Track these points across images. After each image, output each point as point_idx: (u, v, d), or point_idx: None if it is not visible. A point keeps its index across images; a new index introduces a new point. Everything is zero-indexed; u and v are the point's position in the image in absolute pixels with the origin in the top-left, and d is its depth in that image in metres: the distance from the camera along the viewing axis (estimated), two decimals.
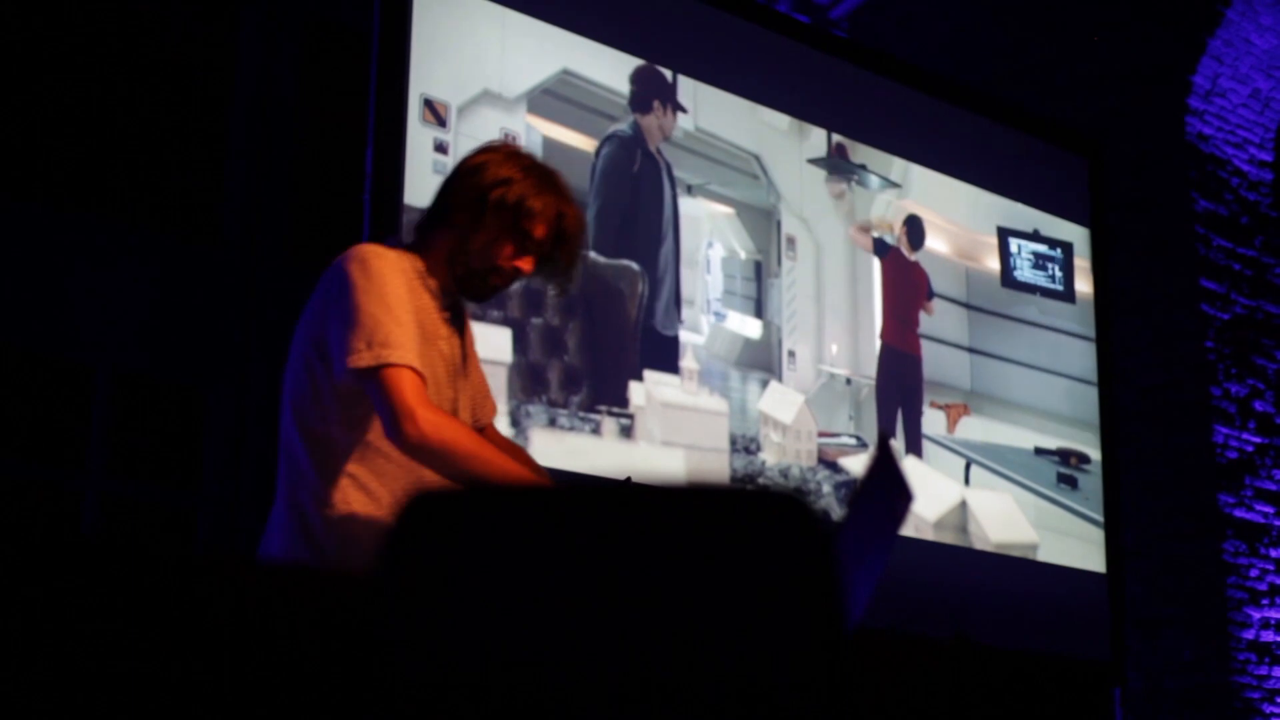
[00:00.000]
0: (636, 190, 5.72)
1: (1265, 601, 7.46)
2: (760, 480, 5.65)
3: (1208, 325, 7.59)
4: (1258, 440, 7.67)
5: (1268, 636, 7.42)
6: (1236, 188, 7.97)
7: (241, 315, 6.91)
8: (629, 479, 2.31)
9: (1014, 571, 6.42)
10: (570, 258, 3.01)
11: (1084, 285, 7.11)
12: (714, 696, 1.25)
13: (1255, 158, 8.11)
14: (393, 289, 2.80)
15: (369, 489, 2.85)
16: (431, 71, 5.18)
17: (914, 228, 6.53)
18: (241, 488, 6.94)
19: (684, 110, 5.87)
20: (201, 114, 7.54)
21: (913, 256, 6.53)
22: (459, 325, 3.04)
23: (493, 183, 2.92)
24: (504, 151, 3.03)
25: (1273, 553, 7.57)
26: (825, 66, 6.38)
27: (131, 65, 7.33)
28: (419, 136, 5.11)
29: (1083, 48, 8.15)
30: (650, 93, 5.80)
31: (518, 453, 3.13)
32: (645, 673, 1.25)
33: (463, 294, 3.00)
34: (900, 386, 6.36)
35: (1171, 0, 7.90)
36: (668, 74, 5.84)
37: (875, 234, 6.41)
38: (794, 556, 1.29)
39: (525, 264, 2.95)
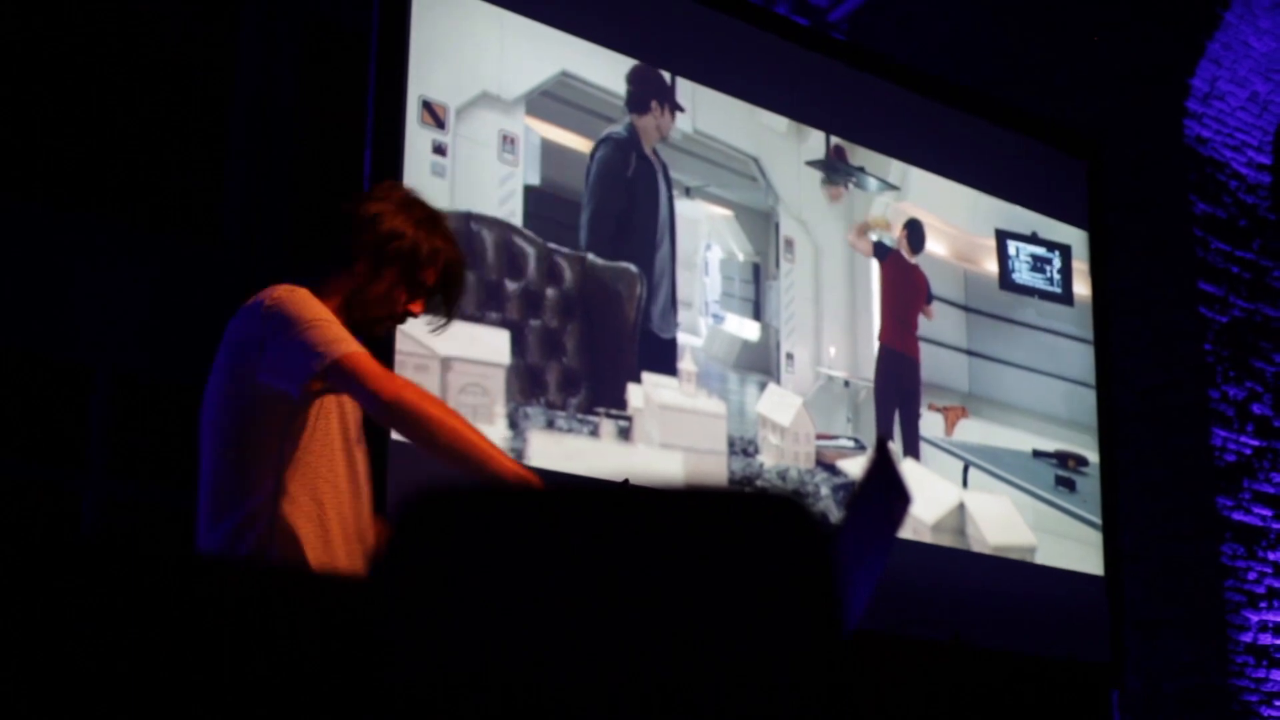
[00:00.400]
0: (632, 193, 5.72)
1: (1263, 604, 7.46)
2: (758, 483, 5.65)
3: (1206, 328, 7.59)
4: (1256, 443, 7.68)
5: (1266, 639, 7.42)
6: (1235, 190, 7.97)
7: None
8: (626, 481, 2.32)
9: (1012, 574, 6.42)
10: (455, 297, 3.21)
11: (1082, 288, 7.12)
12: (712, 700, 1.25)
13: (1253, 160, 8.11)
14: (319, 309, 2.97)
15: (306, 504, 2.97)
16: (430, 73, 5.18)
17: (914, 231, 6.54)
18: None
19: (681, 110, 5.87)
20: (201, 114, 7.54)
21: (913, 260, 6.53)
22: None
23: (389, 235, 3.09)
24: (395, 200, 3.19)
25: (1271, 556, 7.57)
26: (824, 69, 6.38)
27: (131, 65, 7.33)
28: (417, 138, 5.11)
29: (1081, 50, 8.15)
30: (647, 93, 5.80)
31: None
32: (643, 675, 1.25)
33: (357, 335, 3.11)
34: (898, 389, 6.37)
35: (1170, 3, 7.90)
36: (665, 75, 5.85)
37: (874, 237, 6.41)
38: (792, 559, 1.29)
39: (417, 307, 3.15)
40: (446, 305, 3.19)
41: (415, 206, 3.18)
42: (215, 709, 1.55)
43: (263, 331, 2.96)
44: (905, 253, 6.50)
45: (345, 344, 2.89)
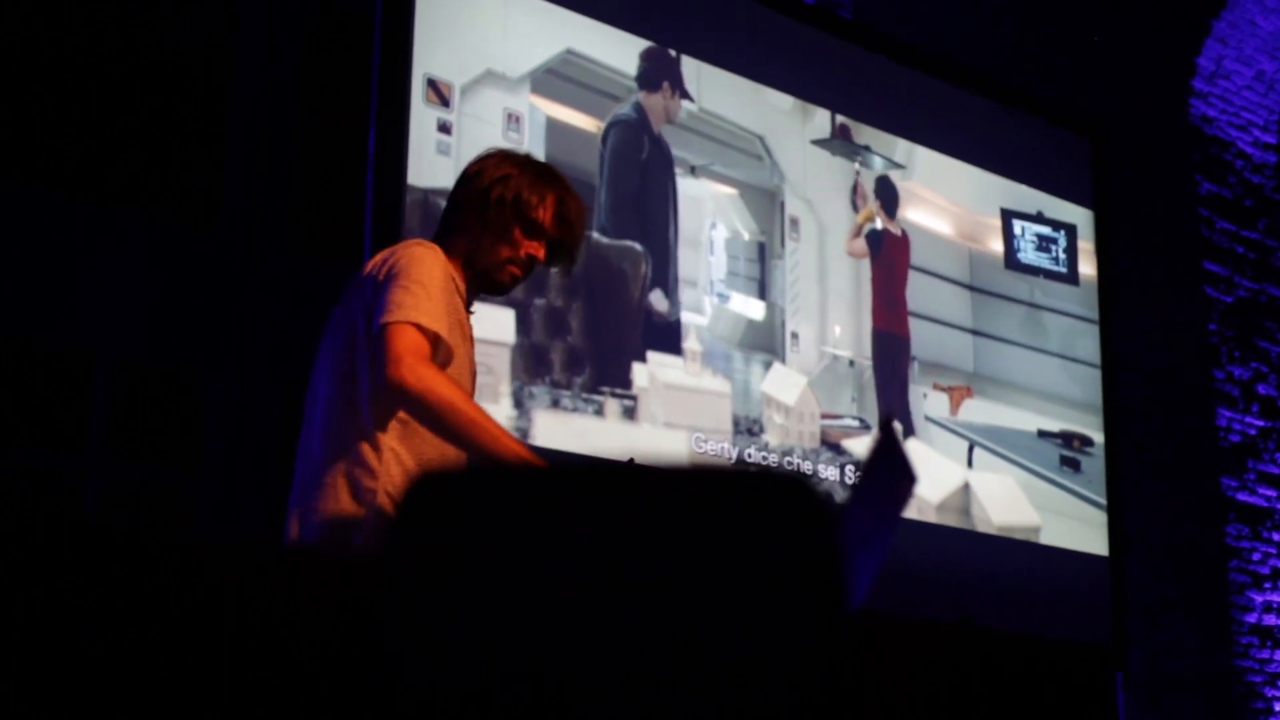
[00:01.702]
0: (644, 176, 5.72)
1: (1268, 585, 7.46)
2: (764, 462, 5.65)
3: (1211, 308, 7.58)
4: (1260, 424, 7.67)
5: (1270, 620, 7.42)
6: (1240, 170, 7.95)
7: (243, 299, 6.91)
8: (632, 460, 2.31)
9: (1016, 554, 6.42)
10: (575, 241, 3.21)
11: (1087, 267, 7.11)
12: (717, 677, 1.25)
13: (1259, 140, 8.10)
14: (440, 276, 2.97)
15: (408, 463, 2.96)
16: (434, 52, 5.17)
17: (885, 191, 6.50)
18: (242, 472, 6.94)
19: (690, 99, 5.86)
20: (203, 98, 7.53)
21: (893, 226, 6.50)
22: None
23: (491, 182, 3.11)
24: (499, 154, 3.22)
25: (1275, 536, 7.57)
26: (829, 48, 6.37)
27: (132, 49, 7.32)
28: (422, 117, 5.10)
29: (1087, 30, 8.13)
30: (660, 73, 5.79)
31: None
32: (649, 653, 1.25)
33: (486, 289, 3.18)
34: (894, 370, 6.36)
35: None
36: (671, 53, 5.83)
37: (866, 230, 6.40)
38: (797, 539, 1.28)
39: (537, 250, 3.13)
40: (567, 249, 3.19)
41: (519, 156, 3.21)
42: (219, 690, 1.54)
43: (381, 275, 2.97)
44: (884, 222, 6.47)
45: (409, 310, 2.87)
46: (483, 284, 3.14)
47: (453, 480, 1.38)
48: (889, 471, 2.32)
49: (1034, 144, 7.02)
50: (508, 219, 3.09)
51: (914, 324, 6.47)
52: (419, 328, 2.87)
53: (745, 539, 1.28)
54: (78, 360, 6.91)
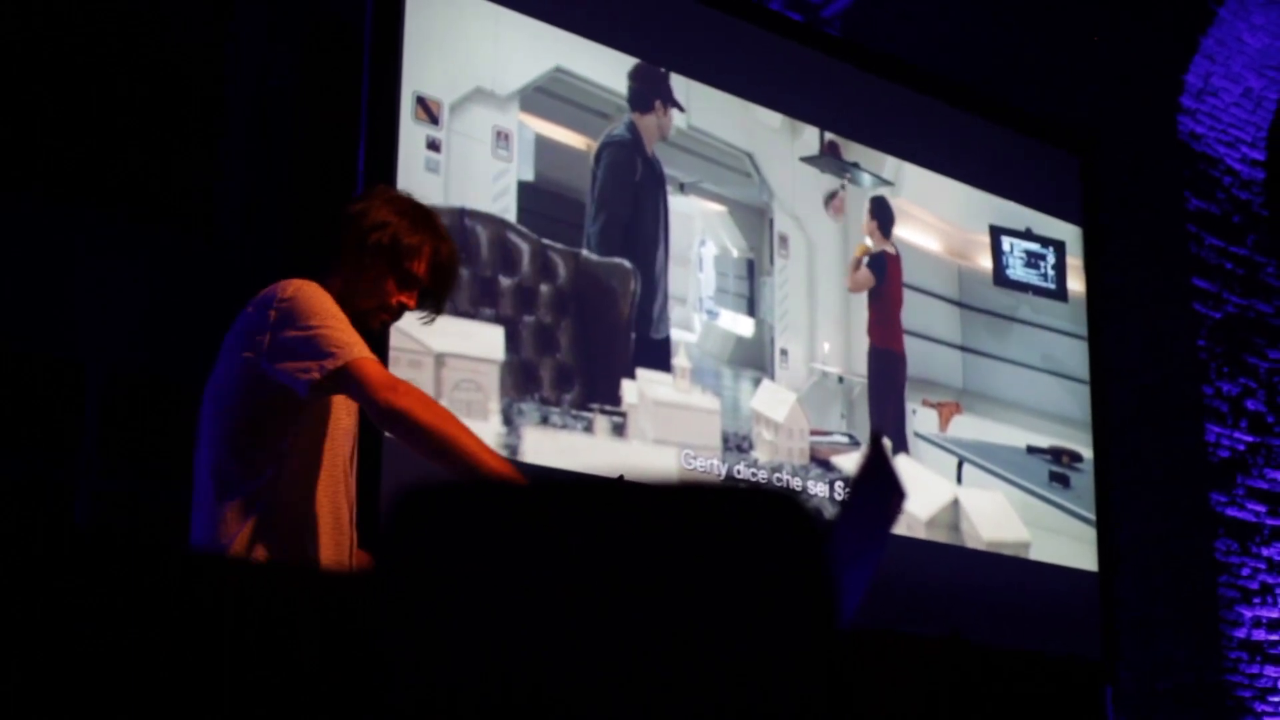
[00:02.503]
0: (638, 197, 5.73)
1: (1257, 600, 7.46)
2: (753, 479, 5.65)
3: (1200, 324, 7.59)
4: (1249, 439, 7.68)
5: (1259, 635, 7.43)
6: (1229, 186, 7.97)
7: (236, 309, 6.91)
8: (621, 478, 2.31)
9: (1006, 570, 6.42)
10: (447, 288, 3.26)
11: (1076, 284, 7.12)
12: (707, 694, 1.25)
13: (1247, 156, 8.11)
14: (331, 307, 3.03)
15: (311, 494, 3.04)
16: (424, 69, 5.18)
17: (881, 211, 6.51)
18: None
19: (681, 109, 5.87)
20: (195, 109, 7.53)
21: (889, 246, 6.51)
22: None
23: (371, 227, 3.16)
24: (382, 196, 3.26)
25: (1264, 551, 7.57)
26: (818, 65, 6.38)
27: (125, 59, 7.32)
28: (412, 134, 5.11)
29: (1075, 46, 8.15)
30: (651, 92, 5.80)
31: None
32: (637, 670, 1.25)
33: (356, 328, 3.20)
34: (889, 386, 6.37)
35: None
36: (659, 70, 5.84)
37: (866, 258, 6.40)
38: (787, 555, 1.28)
39: (409, 299, 3.19)
40: (436, 298, 3.24)
41: (400, 201, 3.24)
42: (210, 701, 1.54)
43: (274, 324, 3.01)
44: (879, 242, 6.48)
45: (353, 348, 2.94)
46: (354, 323, 3.14)
47: (442, 495, 1.38)
48: (878, 487, 2.32)
49: (1022, 161, 7.03)
50: (383, 267, 3.14)
51: (905, 340, 6.48)
52: (367, 361, 2.94)
53: (734, 555, 1.28)
54: (69, 368, 6.90)
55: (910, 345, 6.48)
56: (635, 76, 5.76)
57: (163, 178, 7.37)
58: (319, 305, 3.00)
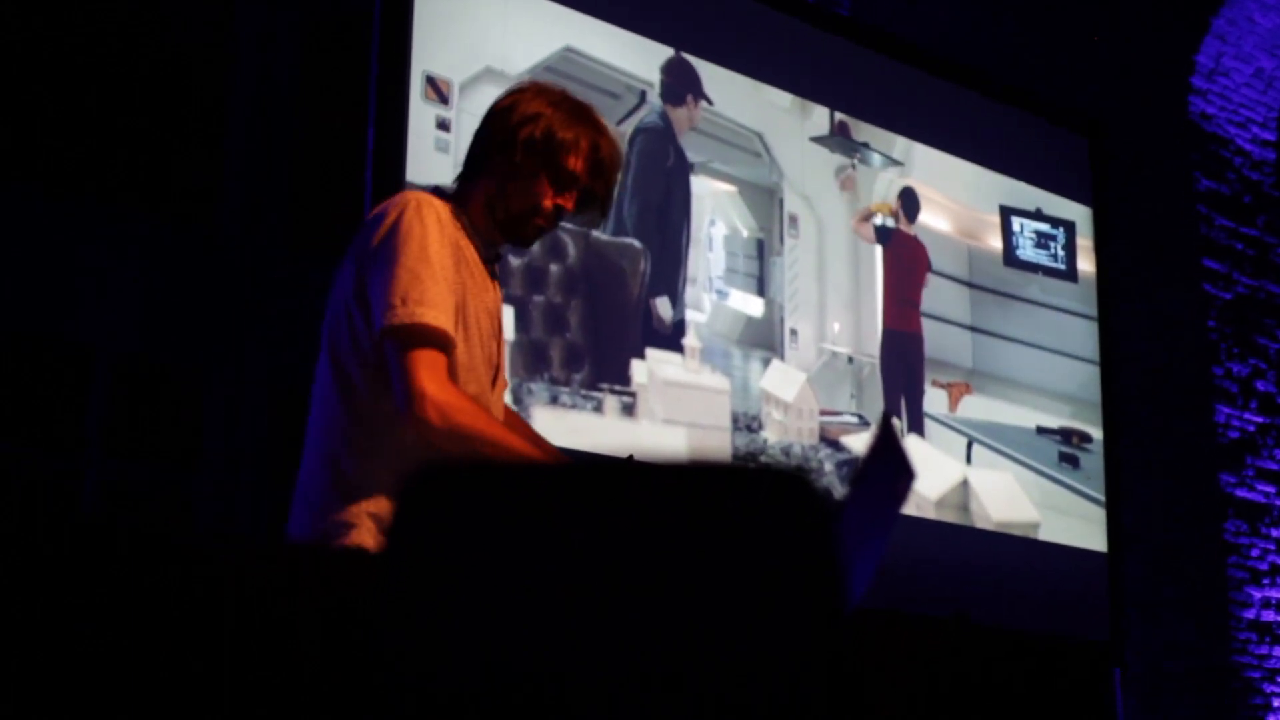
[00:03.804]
0: (669, 184, 5.73)
1: (1266, 581, 7.46)
2: (762, 458, 5.65)
3: (1210, 305, 7.58)
4: (1259, 420, 7.67)
5: (1268, 616, 7.43)
6: (1239, 167, 7.95)
7: (241, 297, 6.92)
8: (631, 457, 2.31)
9: (1015, 551, 6.42)
10: (608, 190, 2.92)
11: (1086, 264, 7.11)
12: (715, 674, 1.25)
13: (1258, 137, 8.10)
14: (435, 243, 2.73)
15: (402, 441, 2.73)
16: (433, 49, 5.17)
17: (909, 200, 6.52)
18: (239, 470, 6.94)
19: (710, 102, 5.86)
20: (200, 94, 7.53)
21: (911, 231, 6.52)
22: (498, 279, 2.98)
23: (521, 121, 2.85)
24: (532, 89, 2.94)
25: (1274, 532, 7.57)
26: (828, 45, 6.37)
27: (129, 45, 7.32)
28: (421, 114, 5.10)
29: (1086, 27, 8.13)
30: (684, 85, 5.80)
31: (524, 429, 3.08)
32: (647, 650, 1.25)
33: (508, 240, 2.93)
34: (904, 368, 6.36)
35: None
36: (669, 50, 5.82)
37: (877, 221, 6.40)
38: (796, 535, 1.28)
39: (566, 201, 2.88)
40: (600, 199, 2.92)
41: (553, 93, 2.93)
42: (217, 687, 1.55)
43: (369, 245, 2.76)
44: (903, 225, 6.48)
45: (422, 309, 2.66)
46: (505, 233, 2.90)
47: (450, 476, 1.38)
48: (888, 468, 2.32)
49: (1032, 141, 7.02)
50: (537, 165, 2.83)
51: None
52: (427, 330, 2.66)
53: (743, 535, 1.28)
54: (75, 358, 6.91)
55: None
56: (668, 71, 5.75)
57: (167, 167, 7.37)
58: (419, 237, 2.71)
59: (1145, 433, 7.54)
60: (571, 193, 2.87)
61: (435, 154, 5.08)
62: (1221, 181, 7.82)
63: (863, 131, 6.39)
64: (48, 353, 6.89)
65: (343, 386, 2.80)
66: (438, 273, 2.71)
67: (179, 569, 1.58)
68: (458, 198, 2.90)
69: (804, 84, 6.22)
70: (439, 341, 2.69)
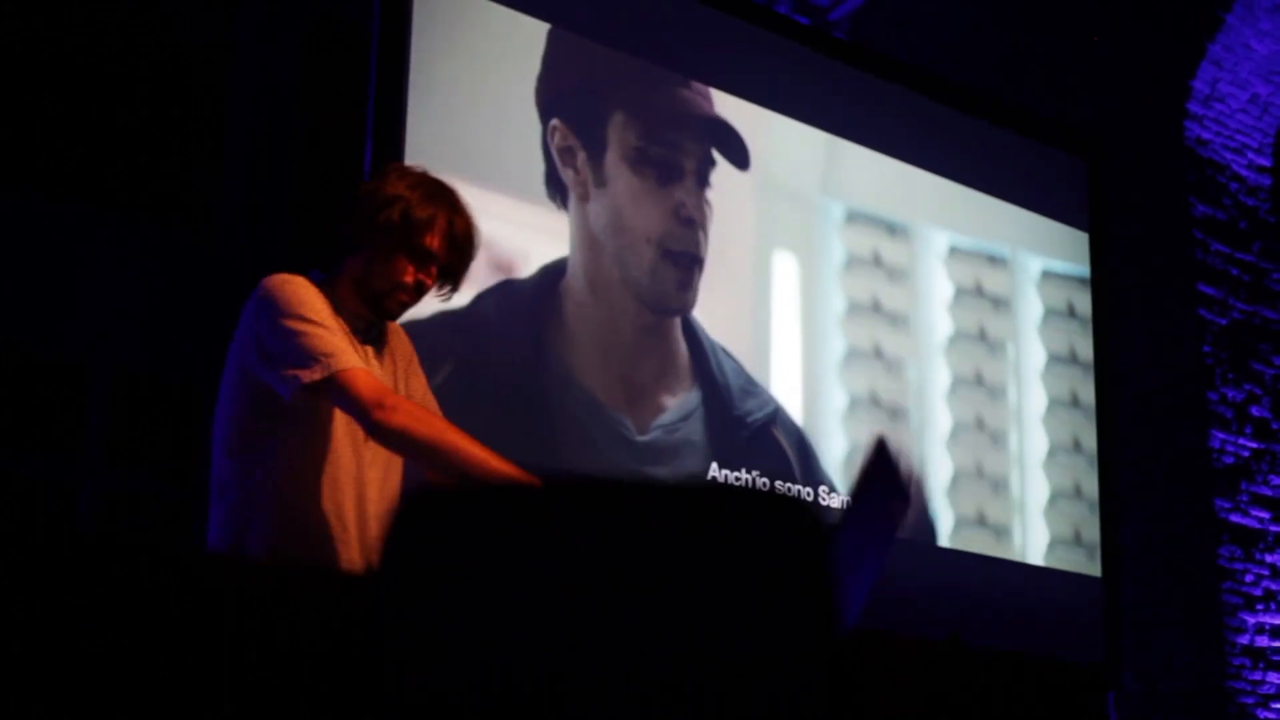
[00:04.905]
0: None
1: (1260, 606, 7.46)
2: (758, 482, 5.64)
3: (1205, 330, 7.59)
4: (1254, 445, 7.68)
5: (1262, 641, 7.42)
6: (1235, 193, 7.97)
7: (240, 305, 6.91)
8: (623, 479, 2.31)
9: (1009, 573, 6.41)
10: (463, 264, 3.11)
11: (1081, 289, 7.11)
12: (710, 696, 1.25)
13: (1254, 163, 8.11)
14: (314, 306, 2.92)
15: (313, 491, 2.96)
16: (431, 59, 5.17)
17: None
18: None
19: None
20: (200, 106, 7.53)
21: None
22: (380, 351, 3.16)
23: (381, 204, 3.03)
24: (395, 172, 3.14)
25: (1268, 558, 7.57)
26: (825, 68, 6.36)
27: (129, 55, 7.32)
28: (420, 116, 5.10)
29: (1081, 51, 8.15)
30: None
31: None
32: (640, 671, 1.25)
33: (374, 314, 3.10)
34: None
35: (1171, 4, 7.90)
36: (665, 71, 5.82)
37: None
38: (791, 558, 1.29)
39: (427, 277, 3.06)
40: (454, 274, 3.11)
41: (412, 175, 3.11)
42: (214, 701, 1.55)
43: (258, 324, 2.95)
44: None
45: (338, 358, 2.85)
46: (371, 308, 3.07)
47: (446, 498, 1.38)
48: (882, 490, 2.32)
49: (1028, 165, 7.01)
50: (396, 245, 3.02)
51: None
52: (344, 373, 2.85)
53: (738, 557, 1.28)
54: (73, 368, 6.91)
55: None
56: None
57: (168, 175, 7.38)
58: (299, 304, 2.91)
59: (1139, 457, 7.54)
60: (431, 268, 3.06)
61: None
62: (1217, 207, 7.84)
63: (855, 157, 6.36)
64: (45, 362, 6.89)
65: (231, 460, 3.03)
66: (329, 326, 2.92)
67: (177, 580, 1.58)
68: (327, 274, 3.09)
69: (799, 106, 6.20)
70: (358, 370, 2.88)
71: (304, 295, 2.94)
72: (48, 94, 7.08)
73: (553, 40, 5.44)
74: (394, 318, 3.14)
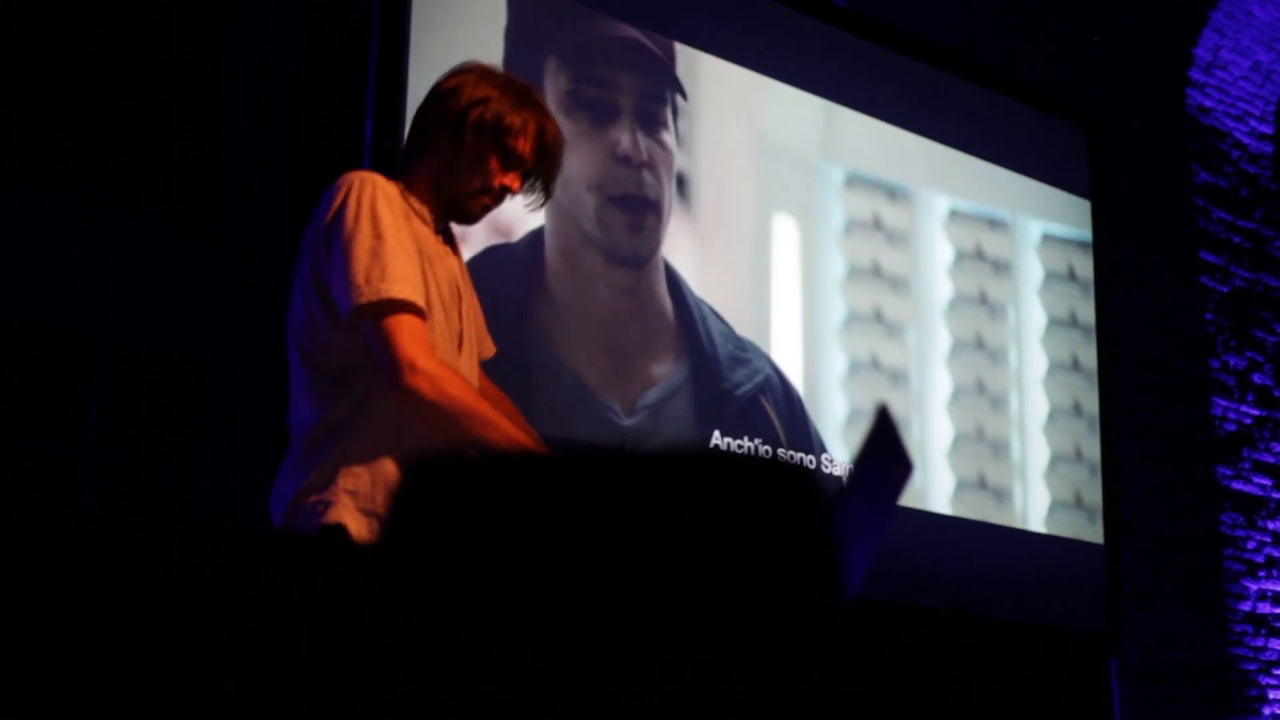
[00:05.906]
0: None
1: (1262, 574, 7.47)
2: (760, 449, 5.65)
3: (1207, 298, 7.58)
4: (1256, 413, 7.68)
5: (1264, 608, 7.44)
6: (1237, 160, 7.95)
7: (240, 287, 6.92)
8: (623, 447, 2.31)
9: (1011, 541, 6.42)
10: (553, 173, 3.01)
11: (1084, 257, 7.10)
12: (712, 666, 1.25)
13: (1256, 130, 8.10)
14: (386, 216, 2.78)
15: (375, 418, 2.80)
16: (430, 50, 5.16)
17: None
18: (238, 460, 6.94)
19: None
20: (200, 88, 7.52)
21: None
22: (453, 248, 3.04)
23: (469, 103, 2.90)
24: (477, 71, 3.00)
25: (1270, 525, 7.58)
26: (827, 36, 6.34)
27: (129, 39, 7.31)
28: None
29: (1083, 19, 8.13)
30: None
31: (506, 405, 3.13)
32: (641, 641, 1.25)
33: (453, 218, 3.00)
34: None
35: None
36: (667, 41, 5.80)
37: None
38: (793, 526, 1.28)
39: (512, 181, 2.95)
40: (544, 181, 3.01)
41: (499, 76, 3.00)
42: (218, 676, 1.55)
43: (320, 229, 2.82)
44: None
45: (388, 284, 2.71)
46: (451, 211, 2.97)
47: (446, 468, 1.38)
48: (884, 459, 2.32)
49: (1030, 133, 7.00)
50: (485, 146, 2.90)
51: None
52: (397, 304, 2.71)
53: (740, 526, 1.28)
54: (73, 349, 6.90)
55: None
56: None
57: (166, 158, 7.37)
58: (369, 213, 2.76)
59: (1141, 425, 7.54)
60: (517, 174, 2.93)
61: None
62: (1219, 175, 7.82)
63: (854, 123, 6.34)
64: (45, 343, 6.89)
65: (310, 369, 2.85)
66: (395, 246, 2.76)
67: (178, 559, 1.58)
68: (400, 175, 2.95)
69: (799, 75, 6.19)
70: (412, 311, 2.74)
71: (379, 201, 2.79)
72: (47, 80, 7.07)
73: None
74: (474, 221, 3.03)
